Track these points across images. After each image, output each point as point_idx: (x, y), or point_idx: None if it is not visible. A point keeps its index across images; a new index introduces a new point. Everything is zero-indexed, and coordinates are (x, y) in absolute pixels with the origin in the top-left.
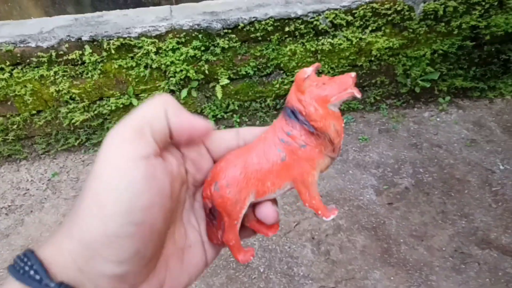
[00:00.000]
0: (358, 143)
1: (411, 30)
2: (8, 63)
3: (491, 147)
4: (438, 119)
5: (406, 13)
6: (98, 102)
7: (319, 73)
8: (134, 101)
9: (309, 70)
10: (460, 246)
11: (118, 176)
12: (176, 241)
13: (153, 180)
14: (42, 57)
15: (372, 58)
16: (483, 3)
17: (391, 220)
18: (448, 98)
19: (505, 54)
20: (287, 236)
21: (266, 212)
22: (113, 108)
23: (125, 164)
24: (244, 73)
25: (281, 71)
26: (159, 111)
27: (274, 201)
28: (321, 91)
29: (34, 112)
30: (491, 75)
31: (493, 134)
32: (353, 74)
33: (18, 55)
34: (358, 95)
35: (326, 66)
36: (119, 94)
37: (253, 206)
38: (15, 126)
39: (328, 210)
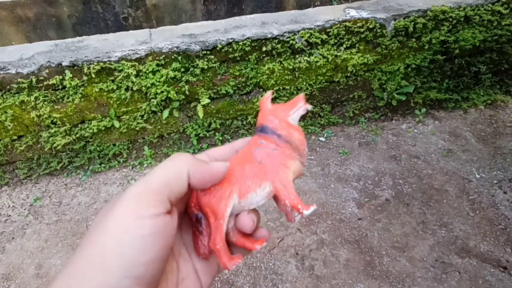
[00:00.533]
0: (339, 157)
1: (384, 46)
2: None
3: (467, 156)
4: (415, 130)
5: (378, 30)
6: (79, 126)
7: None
8: (116, 123)
9: (270, 92)
10: (440, 255)
11: (124, 232)
12: (168, 279)
13: (159, 237)
14: (23, 83)
15: (349, 74)
16: (451, 19)
17: (373, 233)
18: (424, 110)
19: (475, 66)
20: (271, 253)
21: (243, 220)
22: (95, 130)
23: (133, 221)
24: (225, 92)
25: (261, 89)
26: (179, 173)
27: (253, 211)
28: (282, 110)
29: (15, 137)
30: (464, 86)
31: (469, 144)
32: (301, 94)
33: None
34: (309, 107)
35: (304, 83)
36: (100, 117)
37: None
38: None
39: (306, 205)
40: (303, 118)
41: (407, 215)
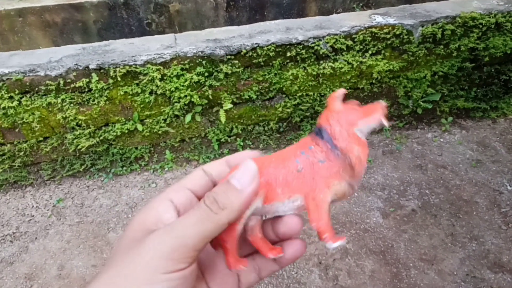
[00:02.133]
0: None
1: (410, 53)
2: (17, 91)
3: (497, 167)
4: (441, 139)
5: (405, 36)
6: (103, 128)
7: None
8: (139, 127)
9: (342, 90)
10: (472, 270)
11: (150, 279)
12: None
13: (186, 283)
14: (50, 85)
15: (373, 81)
16: (481, 26)
17: (399, 244)
18: (450, 118)
19: (505, 75)
20: (293, 261)
21: (292, 221)
22: (118, 133)
23: (162, 275)
24: (247, 97)
25: (284, 95)
26: (218, 227)
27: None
28: (350, 114)
29: (41, 138)
30: (493, 95)
31: (499, 154)
32: (383, 102)
33: (27, 83)
34: (386, 123)
35: (328, 90)
36: (124, 120)
37: (271, 222)
38: (22, 152)
39: (334, 236)
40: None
41: (434, 227)
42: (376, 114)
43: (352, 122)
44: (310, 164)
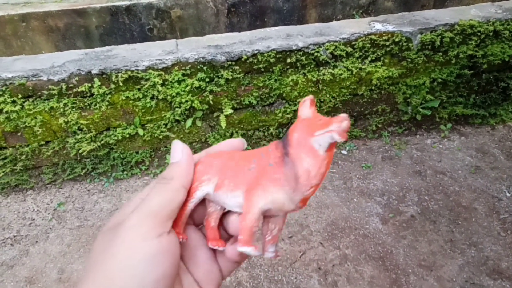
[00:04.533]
0: (362, 171)
1: (409, 60)
2: (20, 96)
3: (496, 173)
4: (440, 146)
5: (404, 44)
6: (105, 133)
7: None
8: (140, 131)
9: (308, 99)
10: (471, 276)
11: (132, 254)
12: None
13: (166, 255)
14: (53, 89)
15: (373, 87)
16: (479, 34)
17: (398, 250)
18: (449, 125)
19: (504, 82)
20: (293, 267)
21: (233, 219)
22: (120, 138)
23: (140, 243)
24: (248, 103)
25: (284, 101)
26: (177, 194)
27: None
28: (311, 124)
29: (42, 142)
30: (491, 102)
31: (497, 161)
32: (345, 116)
33: (30, 88)
34: (338, 139)
35: (328, 96)
36: (125, 125)
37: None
38: (24, 156)
39: (249, 241)
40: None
41: (433, 233)
42: (329, 127)
43: (311, 132)
44: (261, 165)
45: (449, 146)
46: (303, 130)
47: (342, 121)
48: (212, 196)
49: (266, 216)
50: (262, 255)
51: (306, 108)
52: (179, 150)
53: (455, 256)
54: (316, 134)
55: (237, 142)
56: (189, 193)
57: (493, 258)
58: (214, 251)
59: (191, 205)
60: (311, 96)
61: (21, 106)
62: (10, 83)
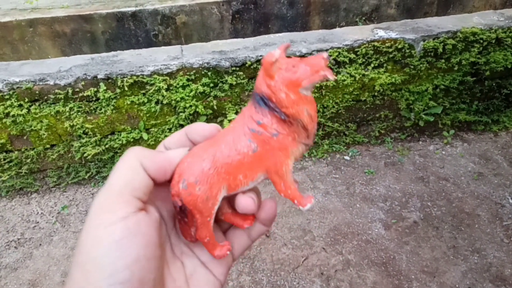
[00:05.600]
0: (364, 176)
1: (412, 67)
2: (26, 99)
3: (499, 180)
4: (443, 152)
5: (407, 50)
6: (109, 137)
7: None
8: (145, 135)
9: (277, 53)
10: (474, 283)
11: (97, 243)
12: (175, 278)
13: (135, 237)
14: (59, 94)
15: (376, 93)
16: (481, 41)
17: (401, 255)
18: (452, 131)
19: (506, 89)
20: (295, 272)
21: (243, 202)
22: (124, 142)
23: (103, 230)
24: None
25: None
26: (135, 168)
27: (255, 190)
28: (292, 75)
29: (48, 146)
30: (494, 108)
31: (500, 167)
32: (325, 54)
33: (37, 92)
34: (331, 77)
35: (331, 101)
36: (130, 129)
37: (228, 198)
38: (29, 160)
39: (304, 199)
40: (328, 135)
41: (436, 239)
42: (320, 69)
43: (296, 83)
44: (263, 141)
45: (452, 152)
46: (288, 85)
47: (326, 60)
48: (226, 197)
49: None
50: (244, 227)
51: (276, 64)
52: (180, 152)
53: (458, 263)
54: (304, 84)
55: (213, 128)
56: (205, 214)
57: (496, 264)
58: (223, 232)
59: (212, 221)
60: (278, 51)
61: (27, 110)
62: (17, 87)
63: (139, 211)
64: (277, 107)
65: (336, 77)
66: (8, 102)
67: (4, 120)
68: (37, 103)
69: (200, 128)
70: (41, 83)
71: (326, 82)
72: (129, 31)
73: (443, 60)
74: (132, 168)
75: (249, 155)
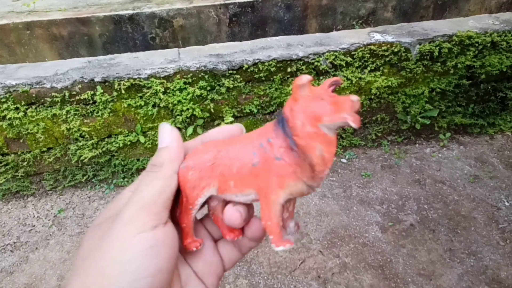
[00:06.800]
0: (361, 179)
1: (408, 70)
2: (23, 103)
3: (495, 183)
4: (439, 155)
5: (403, 54)
6: (106, 140)
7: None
8: (142, 139)
9: (307, 78)
10: (470, 285)
11: (126, 250)
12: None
13: (162, 247)
14: (56, 97)
15: (372, 96)
16: (477, 45)
17: (397, 258)
18: (448, 134)
19: (502, 92)
20: (292, 275)
21: (228, 214)
22: (121, 145)
23: (134, 238)
24: (248, 111)
25: None
26: (169, 178)
27: (248, 206)
28: (315, 107)
29: (44, 149)
30: (490, 112)
31: (496, 170)
32: (355, 98)
33: (33, 95)
34: (353, 124)
35: None
36: (127, 132)
37: (225, 203)
38: (25, 163)
39: (280, 239)
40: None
41: (433, 242)
42: (343, 113)
43: (317, 116)
44: (266, 159)
45: (448, 155)
46: (308, 116)
47: (355, 104)
48: (216, 196)
49: None
50: (226, 237)
51: (304, 88)
52: (167, 133)
53: (454, 265)
54: (325, 120)
55: (235, 129)
56: (189, 201)
57: (492, 267)
58: (215, 242)
59: (194, 212)
60: (309, 76)
61: (24, 113)
62: (14, 90)
63: (167, 223)
64: (290, 133)
65: (360, 125)
66: (5, 105)
67: (0, 123)
68: (33, 106)
69: (218, 131)
70: (37, 86)
71: None
72: (126, 34)
73: (439, 64)
74: (166, 177)
75: (247, 167)
